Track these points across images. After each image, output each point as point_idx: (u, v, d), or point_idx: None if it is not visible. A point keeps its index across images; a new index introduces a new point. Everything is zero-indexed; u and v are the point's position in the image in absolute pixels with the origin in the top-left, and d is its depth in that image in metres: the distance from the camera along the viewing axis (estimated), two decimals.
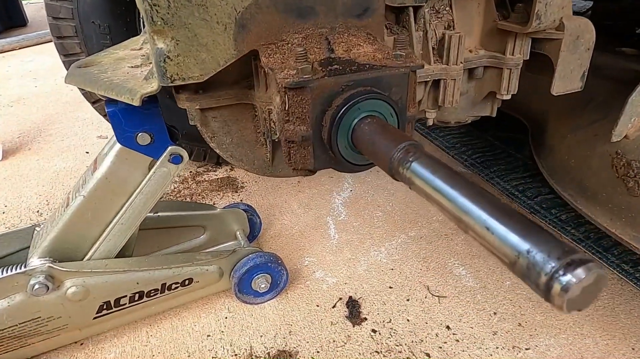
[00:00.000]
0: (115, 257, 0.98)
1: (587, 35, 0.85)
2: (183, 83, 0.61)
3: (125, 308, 1.01)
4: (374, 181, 1.67)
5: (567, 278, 0.29)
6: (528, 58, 0.89)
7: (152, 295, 1.02)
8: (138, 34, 1.40)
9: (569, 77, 0.88)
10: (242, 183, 1.68)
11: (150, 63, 0.82)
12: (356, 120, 0.55)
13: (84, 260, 0.95)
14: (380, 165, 0.50)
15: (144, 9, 0.55)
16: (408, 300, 1.15)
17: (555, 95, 0.89)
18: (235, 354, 1.02)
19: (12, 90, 2.76)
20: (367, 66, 0.57)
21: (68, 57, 1.37)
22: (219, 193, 1.62)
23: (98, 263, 0.95)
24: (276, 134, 0.69)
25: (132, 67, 0.81)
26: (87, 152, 1.97)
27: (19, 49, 3.66)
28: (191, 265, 1.04)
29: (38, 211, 1.56)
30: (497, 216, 0.35)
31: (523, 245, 0.33)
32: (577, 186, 1.00)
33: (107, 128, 2.16)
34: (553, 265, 0.30)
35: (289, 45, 0.62)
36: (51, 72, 3.08)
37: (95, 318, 0.99)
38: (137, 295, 1.01)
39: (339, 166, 0.59)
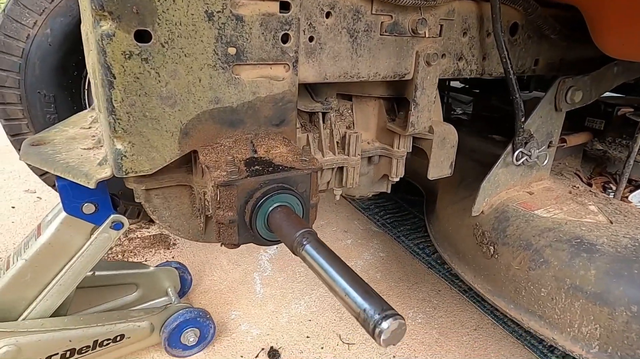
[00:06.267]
0: (51, 316, 1.05)
1: (451, 137, 1.14)
2: (135, 175, 0.77)
3: None
4: None
5: (384, 325, 0.49)
6: (411, 150, 1.16)
7: (83, 351, 1.09)
8: (82, 103, 1.52)
9: (440, 165, 1.16)
10: (174, 240, 1.78)
11: (102, 146, 0.96)
12: (270, 209, 0.74)
13: (19, 319, 1.02)
14: (285, 244, 0.69)
15: (108, 122, 0.71)
16: (322, 348, 1.32)
17: (431, 179, 1.17)
18: None
19: None
20: (280, 167, 0.77)
21: (8, 121, 1.45)
22: (151, 250, 1.71)
23: (33, 322, 1.02)
24: (209, 210, 0.86)
25: (84, 149, 0.94)
26: (13, 207, 1.96)
27: None
28: (124, 321, 1.13)
29: None
30: (352, 286, 0.55)
31: (363, 304, 0.52)
32: (452, 249, 1.26)
33: (35, 181, 2.16)
34: (376, 317, 0.50)
35: (222, 147, 0.81)
36: None
37: None
38: (68, 353, 1.07)
39: (258, 241, 0.77)
